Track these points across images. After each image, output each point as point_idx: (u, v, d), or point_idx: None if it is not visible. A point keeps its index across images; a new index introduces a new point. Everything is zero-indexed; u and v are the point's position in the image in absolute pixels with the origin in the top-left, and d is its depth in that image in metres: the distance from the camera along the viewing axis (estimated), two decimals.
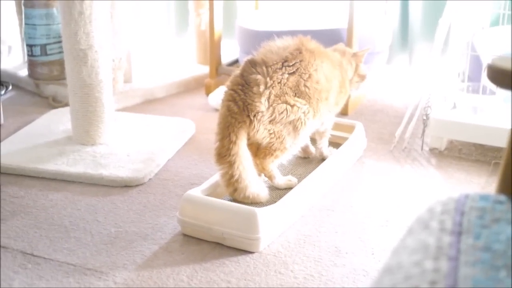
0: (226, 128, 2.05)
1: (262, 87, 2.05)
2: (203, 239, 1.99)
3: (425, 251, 0.78)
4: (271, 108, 2.07)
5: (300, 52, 2.15)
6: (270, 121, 2.08)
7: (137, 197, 2.29)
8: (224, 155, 2.04)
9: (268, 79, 2.07)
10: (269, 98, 2.06)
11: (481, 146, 2.68)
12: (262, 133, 2.09)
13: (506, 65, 0.94)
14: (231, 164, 2.03)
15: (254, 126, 2.06)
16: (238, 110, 2.05)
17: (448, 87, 2.77)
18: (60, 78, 3.39)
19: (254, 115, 2.05)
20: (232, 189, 2.05)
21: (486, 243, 0.78)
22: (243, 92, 2.07)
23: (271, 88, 2.06)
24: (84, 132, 2.64)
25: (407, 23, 3.67)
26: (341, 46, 2.48)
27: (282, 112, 2.09)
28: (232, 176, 2.03)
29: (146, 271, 1.83)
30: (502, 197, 0.91)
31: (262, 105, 2.05)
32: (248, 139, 2.09)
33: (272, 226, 1.96)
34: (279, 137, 2.12)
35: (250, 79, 2.07)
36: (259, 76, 2.07)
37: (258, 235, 1.90)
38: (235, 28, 3.53)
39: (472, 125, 2.57)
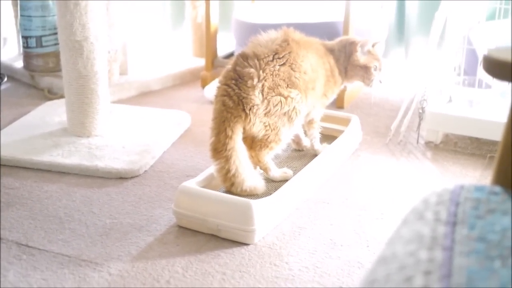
0: (221, 123, 2.05)
1: (255, 80, 2.05)
2: (198, 231, 1.99)
3: (420, 241, 0.78)
4: (265, 100, 2.07)
5: (288, 44, 2.15)
6: (265, 114, 2.08)
7: (132, 188, 2.29)
8: (220, 150, 2.04)
9: (261, 72, 2.07)
10: (262, 90, 2.06)
11: (477, 139, 2.68)
12: (258, 126, 2.09)
13: (502, 56, 0.94)
14: (227, 159, 2.03)
15: (250, 120, 2.06)
16: (233, 104, 2.05)
17: (444, 81, 2.78)
18: (55, 70, 3.39)
19: (250, 109, 2.05)
20: (229, 183, 2.05)
21: (481, 233, 0.78)
22: (237, 86, 2.06)
23: (264, 81, 2.06)
24: (80, 124, 2.64)
25: (403, 16, 3.67)
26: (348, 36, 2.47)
27: (276, 105, 2.09)
28: (228, 171, 2.04)
29: (141, 263, 1.83)
30: (497, 188, 0.91)
31: (256, 98, 2.05)
32: (244, 132, 2.09)
33: (267, 218, 1.96)
34: (274, 129, 2.12)
35: (243, 73, 2.07)
36: (252, 70, 2.07)
37: (253, 227, 1.90)
38: (232, 21, 3.53)
39: (467, 118, 2.57)
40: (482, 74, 2.68)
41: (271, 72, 2.08)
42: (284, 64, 2.11)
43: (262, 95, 2.06)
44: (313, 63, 2.21)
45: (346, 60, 2.35)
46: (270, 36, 2.18)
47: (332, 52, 2.34)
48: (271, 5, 3.62)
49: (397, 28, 3.71)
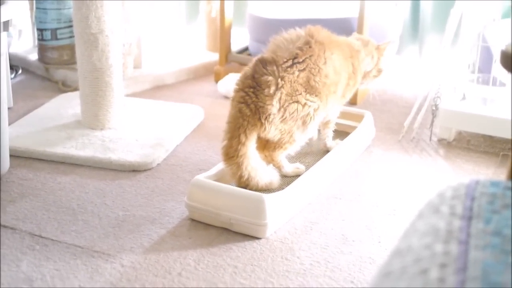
0: (236, 129, 2.04)
1: (273, 88, 2.03)
2: (211, 224, 2.00)
3: (435, 234, 0.78)
4: (282, 109, 2.06)
5: (310, 46, 2.11)
6: (281, 121, 2.07)
7: (145, 181, 2.30)
8: (232, 155, 2.03)
9: (279, 80, 2.04)
10: (280, 99, 2.04)
11: (490, 137, 2.67)
12: (273, 132, 2.08)
13: None
14: (239, 166, 2.03)
15: (265, 128, 2.05)
16: (251, 113, 2.03)
17: (458, 78, 2.77)
18: (70, 62, 3.40)
19: (266, 118, 2.04)
20: (243, 185, 2.06)
21: (496, 228, 0.78)
22: (255, 94, 2.04)
23: (282, 89, 2.04)
24: (93, 116, 2.65)
25: (418, 13, 3.66)
26: (363, 36, 2.45)
27: (293, 112, 2.07)
28: (241, 176, 2.04)
29: (153, 255, 1.84)
30: None
31: (273, 107, 2.04)
32: (258, 137, 2.09)
33: (279, 212, 1.97)
34: (289, 133, 2.11)
35: (261, 81, 2.04)
36: (270, 78, 2.04)
37: (265, 221, 1.90)
38: (246, 16, 3.53)
39: (481, 116, 2.56)
40: (496, 71, 2.67)
41: (290, 79, 2.06)
42: (304, 69, 2.09)
43: (279, 103, 2.05)
44: (336, 65, 2.19)
45: (373, 64, 2.39)
46: (292, 37, 2.15)
47: (358, 53, 2.33)
48: (286, 1, 3.62)
49: (411, 25, 3.70)
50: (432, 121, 2.68)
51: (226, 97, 3.18)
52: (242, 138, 2.03)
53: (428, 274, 0.70)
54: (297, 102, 2.08)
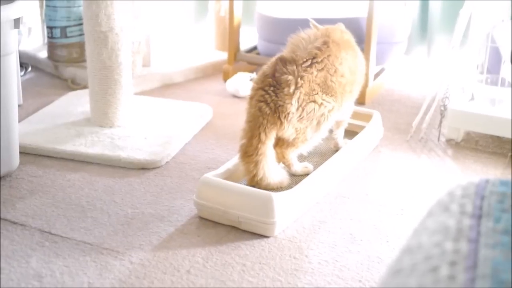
0: (257, 128, 2.05)
1: (292, 88, 2.05)
2: (219, 223, 2.00)
3: (446, 232, 0.78)
4: (300, 108, 2.07)
5: (328, 46, 2.14)
6: (298, 120, 2.09)
7: (154, 179, 2.31)
8: (251, 154, 2.05)
9: (299, 79, 2.06)
10: (299, 98, 2.06)
11: (498, 138, 2.67)
12: (290, 131, 2.09)
13: None
14: (256, 164, 2.04)
15: (284, 127, 2.07)
16: (271, 112, 2.05)
17: (466, 79, 2.77)
18: (79, 60, 3.41)
19: (285, 116, 2.05)
20: (254, 184, 2.07)
21: (506, 226, 0.78)
22: (275, 93, 2.06)
23: (301, 88, 2.06)
24: (103, 114, 2.66)
25: (426, 14, 3.66)
26: (332, 27, 2.38)
27: (310, 112, 2.09)
28: (256, 175, 2.06)
29: (162, 252, 1.85)
30: None
31: (293, 106, 2.06)
32: (275, 136, 2.10)
33: (287, 211, 1.97)
34: (303, 132, 2.13)
35: (281, 80, 2.06)
36: (290, 77, 2.06)
37: (273, 219, 1.91)
38: (255, 15, 3.53)
39: (489, 117, 2.56)
40: (505, 72, 2.67)
41: (308, 79, 2.08)
42: (322, 69, 2.11)
43: (298, 102, 2.06)
44: (351, 65, 2.21)
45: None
46: (310, 36, 2.18)
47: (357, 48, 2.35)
48: (294, 0, 3.62)
49: (420, 26, 3.70)
50: (441, 122, 2.68)
51: (234, 96, 3.19)
52: (262, 136, 2.04)
53: (438, 272, 0.70)
54: (314, 101, 2.09)
